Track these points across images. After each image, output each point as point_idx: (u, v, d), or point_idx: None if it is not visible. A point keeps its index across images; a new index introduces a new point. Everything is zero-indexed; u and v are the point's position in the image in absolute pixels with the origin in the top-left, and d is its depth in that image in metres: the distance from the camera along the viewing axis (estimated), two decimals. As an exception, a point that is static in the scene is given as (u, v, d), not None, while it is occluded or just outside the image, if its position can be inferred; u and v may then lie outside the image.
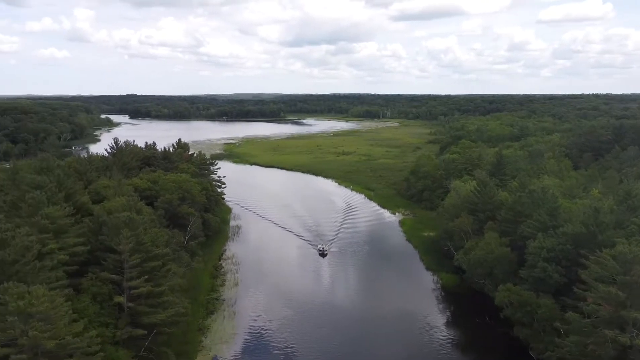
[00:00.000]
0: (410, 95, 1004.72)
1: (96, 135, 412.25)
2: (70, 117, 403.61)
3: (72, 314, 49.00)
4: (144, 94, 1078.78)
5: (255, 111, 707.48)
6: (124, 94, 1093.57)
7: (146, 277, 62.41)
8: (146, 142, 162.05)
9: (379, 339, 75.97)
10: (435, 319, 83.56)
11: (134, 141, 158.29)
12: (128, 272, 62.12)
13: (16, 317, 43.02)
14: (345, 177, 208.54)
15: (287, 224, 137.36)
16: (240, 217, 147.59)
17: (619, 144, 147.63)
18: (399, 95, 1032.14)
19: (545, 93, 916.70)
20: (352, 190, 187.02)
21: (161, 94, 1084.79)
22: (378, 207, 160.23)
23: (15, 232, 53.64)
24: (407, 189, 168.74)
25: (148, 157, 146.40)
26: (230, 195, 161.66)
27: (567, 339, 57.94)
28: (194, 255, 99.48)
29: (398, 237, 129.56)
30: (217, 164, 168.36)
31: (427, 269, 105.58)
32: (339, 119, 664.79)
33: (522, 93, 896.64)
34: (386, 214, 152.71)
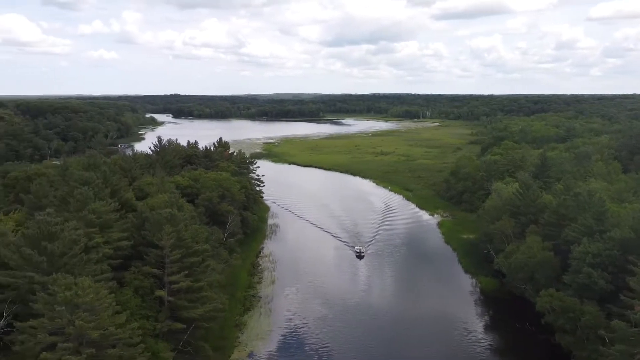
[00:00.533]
0: (452, 95, 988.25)
1: (141, 134, 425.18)
2: (117, 116, 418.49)
3: (115, 305, 50.76)
4: (187, 94, 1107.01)
5: (294, 111, 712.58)
6: (168, 93, 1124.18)
7: (186, 272, 63.96)
8: (188, 141, 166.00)
9: (414, 342, 75.25)
10: (473, 323, 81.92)
11: (176, 140, 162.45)
12: (169, 267, 63.85)
13: (64, 307, 44.95)
14: (383, 178, 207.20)
15: (324, 224, 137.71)
16: (278, 216, 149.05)
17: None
18: (439, 95, 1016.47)
19: (594, 93, 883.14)
20: (390, 190, 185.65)
21: (203, 94, 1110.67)
22: (416, 208, 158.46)
23: (64, 225, 55.98)
24: (447, 190, 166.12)
25: (190, 155, 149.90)
26: (269, 194, 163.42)
27: (613, 348, 55.67)
28: (233, 252, 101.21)
29: (436, 239, 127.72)
30: (256, 162, 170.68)
31: (466, 272, 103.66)
32: (378, 119, 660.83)
33: (569, 93, 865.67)
34: (424, 215, 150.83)
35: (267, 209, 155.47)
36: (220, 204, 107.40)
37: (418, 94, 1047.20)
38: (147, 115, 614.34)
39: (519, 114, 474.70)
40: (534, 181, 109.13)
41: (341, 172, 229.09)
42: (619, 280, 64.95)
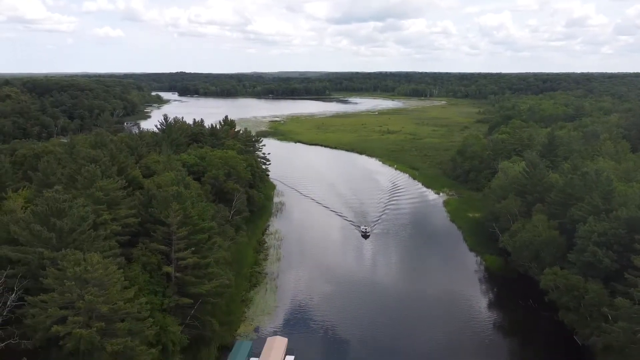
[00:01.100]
0: (460, 73, 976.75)
1: (147, 112, 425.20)
2: (123, 95, 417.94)
3: (124, 281, 51.62)
4: (192, 72, 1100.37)
5: (301, 89, 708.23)
6: (174, 71, 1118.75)
7: (193, 249, 64.72)
8: (194, 119, 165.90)
9: (419, 318, 76.12)
10: (478, 300, 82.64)
11: (182, 118, 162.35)
12: (176, 243, 64.58)
13: (73, 282, 45.77)
14: (389, 156, 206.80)
15: (330, 203, 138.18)
16: (284, 194, 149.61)
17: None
18: (447, 73, 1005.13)
19: (605, 71, 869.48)
20: (396, 169, 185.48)
21: (209, 72, 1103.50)
22: (422, 187, 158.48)
23: (72, 202, 56.58)
24: (453, 169, 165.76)
25: (196, 133, 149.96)
26: (275, 172, 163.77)
27: (615, 325, 56.09)
28: (239, 229, 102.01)
29: (442, 217, 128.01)
30: (262, 141, 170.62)
31: (471, 250, 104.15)
32: (385, 97, 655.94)
33: (579, 71, 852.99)
34: (430, 194, 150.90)
35: (273, 187, 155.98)
36: (226, 182, 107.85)
37: (425, 72, 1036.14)
38: (153, 93, 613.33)
39: (528, 93, 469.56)
40: (541, 160, 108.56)
41: (347, 150, 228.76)
42: (624, 259, 65.05)
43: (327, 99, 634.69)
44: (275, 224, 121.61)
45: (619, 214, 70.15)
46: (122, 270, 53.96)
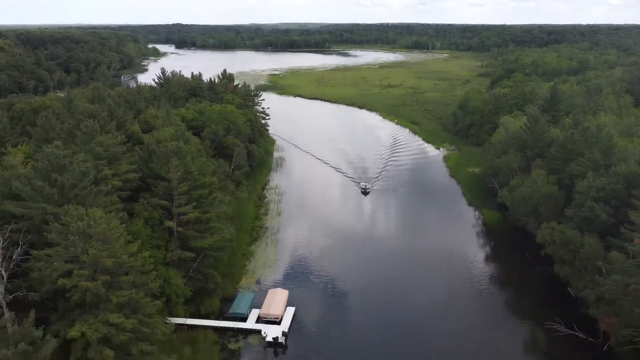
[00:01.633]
0: (463, 25, 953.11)
1: (144, 65, 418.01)
2: (119, 47, 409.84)
3: (127, 235, 52.33)
4: (189, 24, 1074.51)
5: (300, 42, 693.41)
6: (170, 23, 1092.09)
7: (194, 204, 65.28)
8: (192, 73, 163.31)
9: (417, 271, 77.72)
10: (475, 254, 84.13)
11: (180, 72, 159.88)
12: (177, 199, 65.07)
13: (77, 237, 46.42)
14: (390, 111, 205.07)
15: (329, 158, 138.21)
16: (284, 150, 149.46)
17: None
18: (450, 25, 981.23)
19: (611, 23, 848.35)
20: (396, 124, 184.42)
21: (206, 24, 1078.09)
22: (423, 142, 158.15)
23: (72, 158, 56.57)
24: (454, 124, 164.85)
25: (194, 87, 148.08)
26: (274, 127, 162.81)
27: (609, 278, 57.38)
28: (239, 184, 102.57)
29: (442, 172, 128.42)
30: (261, 95, 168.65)
31: (470, 204, 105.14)
32: (386, 50, 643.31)
33: (585, 23, 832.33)
34: (431, 149, 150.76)
35: (273, 142, 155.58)
36: (226, 137, 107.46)
37: (428, 24, 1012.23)
38: (150, 46, 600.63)
39: (532, 46, 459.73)
40: (542, 115, 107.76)
41: (347, 105, 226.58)
42: (621, 213, 65.73)
43: (327, 52, 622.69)
44: (275, 179, 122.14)
45: (618, 170, 70.37)
46: (124, 225, 54.65)
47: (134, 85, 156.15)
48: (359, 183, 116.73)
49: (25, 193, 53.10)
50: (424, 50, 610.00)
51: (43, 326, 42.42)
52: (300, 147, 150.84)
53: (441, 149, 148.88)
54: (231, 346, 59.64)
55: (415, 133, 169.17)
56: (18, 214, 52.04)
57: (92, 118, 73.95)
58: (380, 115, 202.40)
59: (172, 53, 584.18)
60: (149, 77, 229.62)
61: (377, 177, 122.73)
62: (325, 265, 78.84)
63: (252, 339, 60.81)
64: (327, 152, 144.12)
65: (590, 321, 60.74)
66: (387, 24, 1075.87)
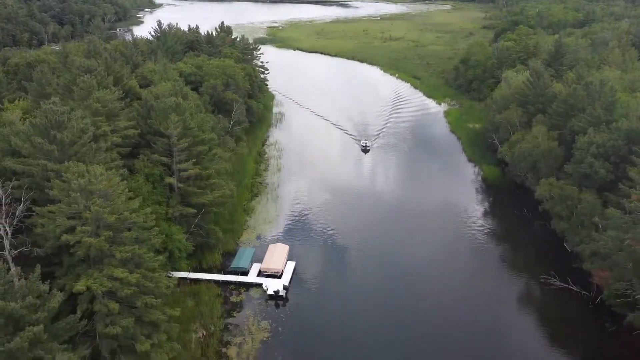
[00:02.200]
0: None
1: (139, 17, 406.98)
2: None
3: (128, 192, 52.60)
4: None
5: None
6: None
7: (194, 160, 65.32)
8: (189, 26, 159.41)
9: (416, 226, 78.76)
10: (474, 209, 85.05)
11: (177, 24, 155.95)
12: (177, 155, 65.08)
13: (79, 194, 46.70)
14: (391, 65, 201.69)
15: (330, 114, 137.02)
16: (283, 105, 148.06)
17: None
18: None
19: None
20: (397, 78, 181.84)
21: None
22: (424, 97, 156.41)
23: (71, 114, 56.07)
24: (456, 78, 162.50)
25: (192, 41, 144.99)
26: (274, 82, 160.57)
27: (605, 234, 58.24)
28: (239, 140, 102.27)
29: (442, 128, 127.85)
30: (260, 48, 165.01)
31: (469, 160, 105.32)
32: (387, 1, 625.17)
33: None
34: (432, 104, 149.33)
35: (272, 97, 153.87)
36: (224, 92, 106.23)
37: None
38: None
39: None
40: (546, 69, 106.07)
41: (348, 58, 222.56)
42: (620, 170, 65.98)
43: (327, 3, 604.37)
44: (275, 135, 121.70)
45: (619, 125, 69.99)
46: (125, 181, 54.80)
47: (130, 39, 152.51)
48: (360, 140, 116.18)
49: (25, 150, 53.02)
50: (427, 1, 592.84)
51: (49, 280, 43.30)
52: (300, 103, 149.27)
53: (442, 103, 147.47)
54: (233, 299, 61.31)
55: (416, 88, 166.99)
56: (19, 171, 52.17)
57: (88, 73, 72.84)
58: (381, 69, 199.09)
59: (168, 4, 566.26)
60: (145, 29, 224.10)
61: (378, 134, 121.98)
62: (325, 220, 79.81)
63: (253, 292, 62.42)
64: (328, 107, 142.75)
65: (584, 275, 62.16)
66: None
